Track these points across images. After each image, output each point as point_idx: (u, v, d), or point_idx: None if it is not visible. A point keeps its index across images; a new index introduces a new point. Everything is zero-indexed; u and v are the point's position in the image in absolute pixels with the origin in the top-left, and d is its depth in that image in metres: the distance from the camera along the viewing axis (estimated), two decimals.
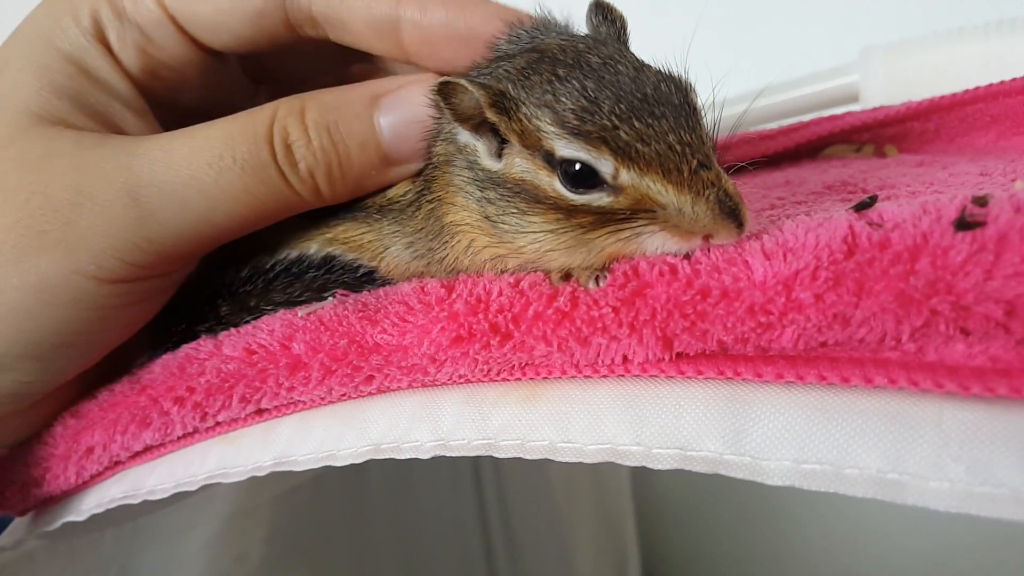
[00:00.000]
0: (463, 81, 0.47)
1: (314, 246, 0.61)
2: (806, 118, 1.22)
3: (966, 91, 0.77)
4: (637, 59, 0.49)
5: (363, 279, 0.61)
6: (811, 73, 1.13)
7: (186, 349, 0.59)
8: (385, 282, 0.60)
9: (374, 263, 0.60)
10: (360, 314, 0.53)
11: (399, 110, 0.54)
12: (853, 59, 1.13)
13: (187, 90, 0.62)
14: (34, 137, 0.52)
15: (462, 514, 1.25)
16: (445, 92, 0.48)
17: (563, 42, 0.51)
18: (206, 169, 0.51)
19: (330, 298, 0.56)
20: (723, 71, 1.64)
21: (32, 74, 0.54)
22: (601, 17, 0.54)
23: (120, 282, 0.53)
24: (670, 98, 0.46)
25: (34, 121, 0.53)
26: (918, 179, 0.61)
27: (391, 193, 0.58)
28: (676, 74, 0.49)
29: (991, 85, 0.76)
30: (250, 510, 0.87)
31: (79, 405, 0.63)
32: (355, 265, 0.60)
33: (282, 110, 0.53)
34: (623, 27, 0.54)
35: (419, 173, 0.57)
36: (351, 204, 0.59)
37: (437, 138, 0.55)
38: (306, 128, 0.52)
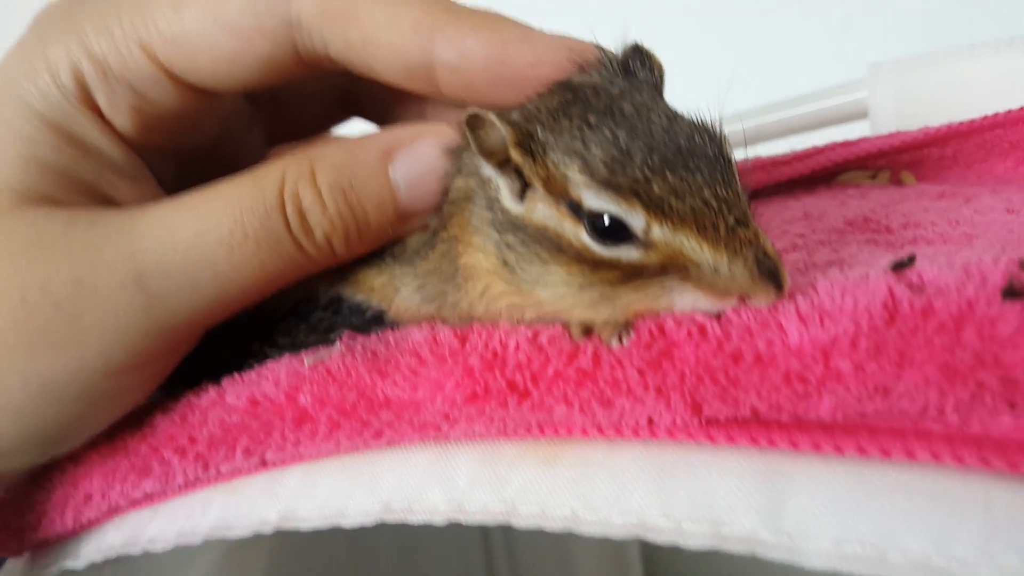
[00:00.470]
0: (491, 116, 0.45)
1: (321, 288, 0.59)
2: (815, 135, 1.20)
3: (984, 117, 0.75)
4: (671, 108, 0.47)
5: (371, 321, 0.58)
6: (819, 89, 1.12)
7: (188, 396, 0.57)
8: (394, 324, 0.58)
9: (383, 305, 0.58)
10: (369, 365, 0.50)
11: (414, 163, 0.50)
12: (861, 75, 1.12)
13: (189, 134, 0.58)
14: (21, 222, 0.47)
15: (464, 531, 1.24)
16: (473, 123, 0.46)
17: (597, 83, 0.48)
18: (216, 249, 0.47)
19: (337, 344, 0.54)
20: (729, 84, 1.62)
21: (13, 147, 0.49)
22: (639, 62, 0.52)
23: (127, 372, 0.50)
24: (704, 150, 0.44)
25: (19, 202, 0.48)
26: (942, 216, 0.59)
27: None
28: (710, 124, 0.46)
29: (1010, 112, 0.74)
30: (252, 542, 0.85)
31: (77, 450, 0.61)
32: (363, 308, 0.58)
33: (290, 173, 0.49)
34: (661, 75, 0.52)
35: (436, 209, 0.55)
36: None
37: (459, 171, 0.53)
38: (319, 192, 0.48)
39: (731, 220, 0.43)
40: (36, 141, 0.49)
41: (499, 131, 0.45)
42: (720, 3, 1.59)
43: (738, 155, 0.52)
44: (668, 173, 0.43)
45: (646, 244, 0.43)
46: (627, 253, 0.44)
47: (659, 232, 0.43)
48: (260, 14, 0.48)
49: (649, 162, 0.43)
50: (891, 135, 0.77)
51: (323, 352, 0.54)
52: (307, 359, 0.53)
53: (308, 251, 0.50)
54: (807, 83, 1.50)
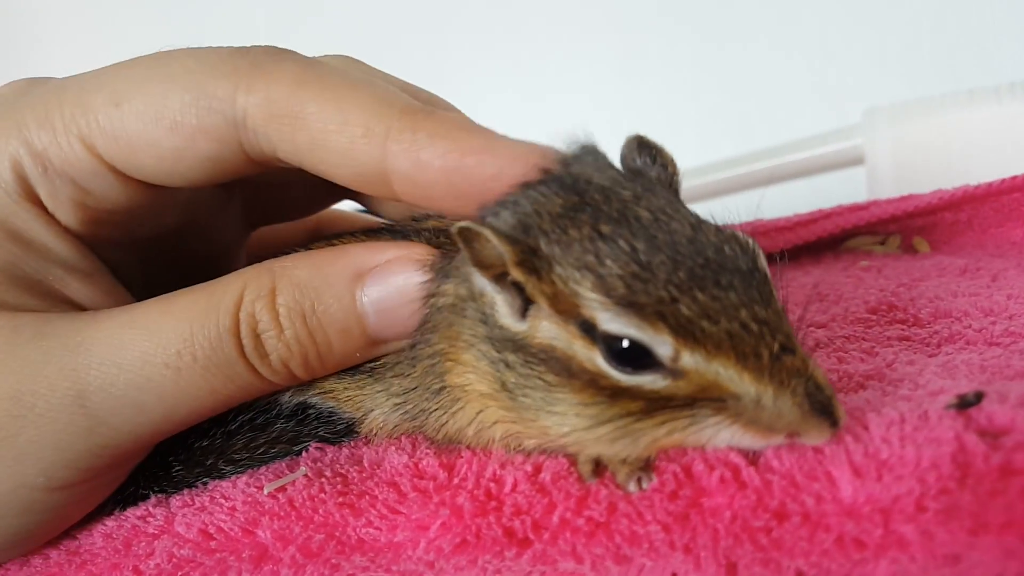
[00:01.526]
0: (487, 231, 0.38)
1: (286, 393, 0.52)
2: (810, 181, 1.16)
3: (1001, 181, 0.70)
4: (692, 214, 0.41)
5: (342, 432, 0.51)
6: (814, 135, 1.07)
7: (133, 519, 0.49)
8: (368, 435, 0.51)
9: (355, 417, 0.51)
10: (340, 498, 0.43)
11: (387, 288, 0.45)
12: (858, 118, 1.08)
13: (146, 225, 0.52)
14: None
15: None
16: (466, 236, 0.39)
17: (606, 186, 0.42)
18: (163, 371, 0.43)
19: (302, 467, 0.47)
20: (725, 131, 1.59)
21: None
22: (647, 158, 0.46)
23: (72, 487, 0.46)
24: (736, 263, 0.38)
25: None
26: (974, 303, 0.54)
27: None
28: (740, 234, 0.40)
29: None
30: None
31: (7, 570, 0.53)
32: (332, 418, 0.51)
33: (249, 291, 0.44)
34: (674, 172, 0.45)
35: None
36: None
37: (446, 276, 0.46)
38: (277, 315, 0.44)
39: (775, 346, 0.36)
40: None
41: (496, 247, 0.39)
42: (710, 48, 1.56)
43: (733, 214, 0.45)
44: (697, 291, 0.36)
45: (675, 372, 0.36)
46: (652, 382, 0.37)
47: (690, 360, 0.36)
48: (202, 114, 0.44)
49: (675, 279, 0.37)
50: (902, 199, 0.72)
51: (286, 476, 0.46)
52: (266, 485, 0.46)
53: (263, 374, 0.45)
54: (802, 127, 1.47)
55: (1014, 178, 0.69)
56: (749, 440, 0.37)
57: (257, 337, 0.44)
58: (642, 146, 0.47)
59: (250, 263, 0.57)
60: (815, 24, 1.47)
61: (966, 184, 0.74)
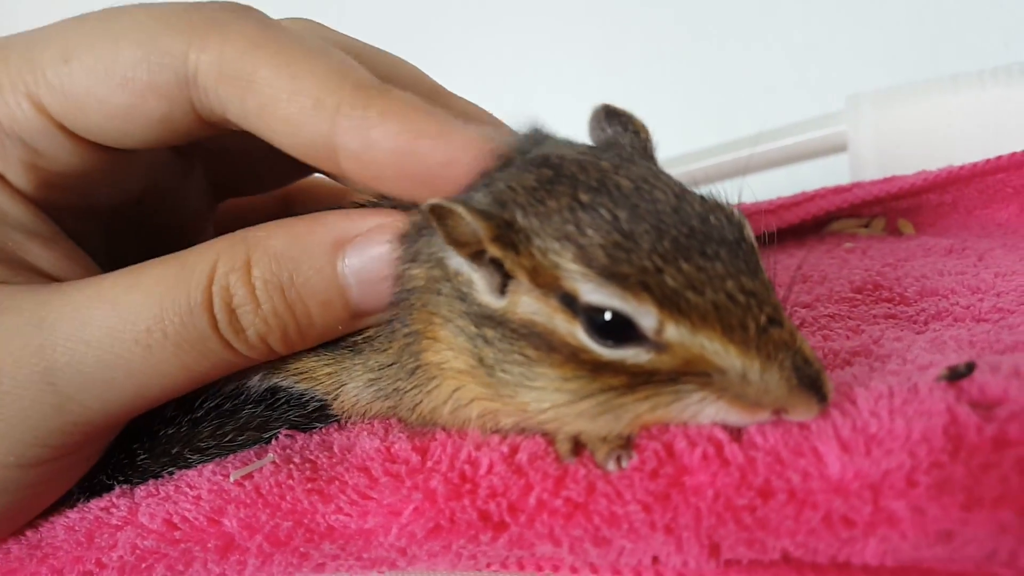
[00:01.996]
0: (460, 208, 0.37)
1: (255, 376, 0.50)
2: (792, 169, 1.15)
3: (986, 161, 0.69)
4: (676, 182, 0.39)
5: (314, 415, 0.49)
6: (797, 122, 1.06)
7: (96, 510, 0.47)
8: (340, 419, 0.49)
9: (328, 398, 0.49)
10: (308, 485, 0.42)
11: (369, 258, 0.42)
12: (840, 107, 1.07)
13: (104, 192, 0.51)
14: None
15: None
16: (439, 213, 0.37)
17: (582, 157, 0.40)
18: (132, 347, 0.41)
19: (270, 454, 0.45)
20: (706, 118, 1.58)
21: None
22: (619, 126, 0.44)
23: (45, 464, 0.45)
24: (723, 233, 0.36)
25: None
26: (961, 281, 0.53)
27: None
28: (725, 204, 0.39)
29: (1013, 155, 0.69)
30: None
31: None
32: (304, 400, 0.49)
33: (222, 263, 0.42)
34: (647, 139, 0.44)
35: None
36: None
37: (416, 258, 0.44)
38: (253, 289, 0.42)
39: (762, 318, 0.35)
40: None
41: (470, 223, 0.37)
42: (691, 40, 1.55)
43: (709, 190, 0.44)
44: (682, 261, 0.35)
45: (658, 346, 0.35)
46: (635, 355, 0.35)
47: (675, 332, 0.35)
48: (153, 70, 0.42)
49: (659, 248, 0.35)
50: (886, 180, 0.71)
51: (254, 463, 0.45)
52: (232, 473, 0.44)
53: (239, 350, 0.43)
54: (783, 119, 1.46)
55: (999, 158, 0.68)
56: (735, 416, 0.35)
57: (232, 312, 0.42)
58: (611, 115, 0.46)
59: (218, 236, 0.56)
60: (796, 15, 1.46)
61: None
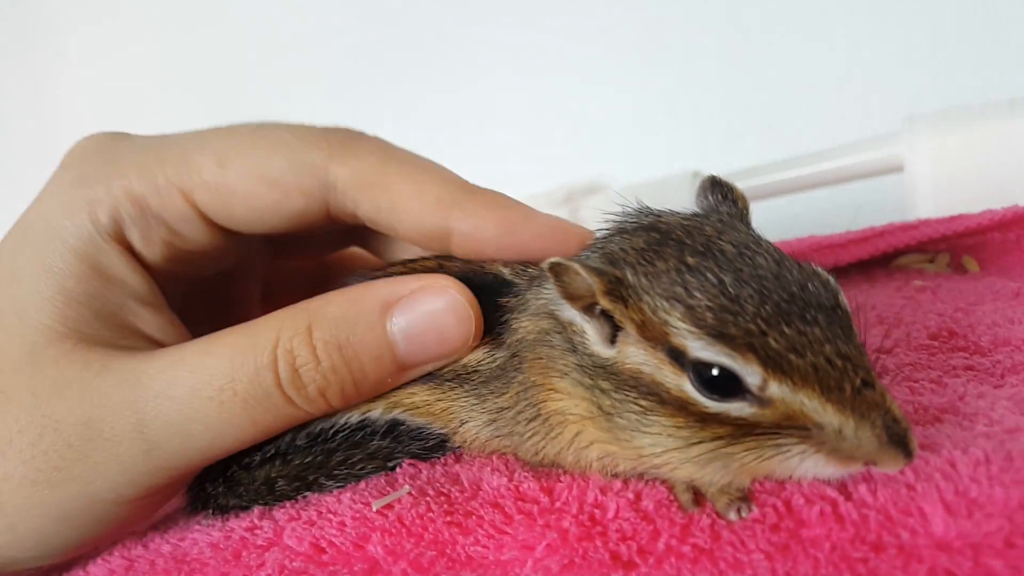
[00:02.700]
0: (576, 265, 0.42)
1: (377, 410, 0.55)
2: (847, 188, 1.18)
3: None
4: (775, 249, 0.44)
5: (433, 448, 0.55)
6: (854, 141, 1.09)
7: (240, 530, 0.52)
8: (458, 450, 0.55)
9: (446, 431, 0.54)
10: (447, 517, 0.46)
11: (413, 316, 0.51)
12: (897, 127, 1.09)
13: (210, 264, 0.62)
14: (44, 362, 0.51)
15: None
16: (556, 271, 0.43)
17: (687, 223, 0.45)
18: (208, 403, 0.50)
19: (406, 488, 0.50)
20: (748, 122, 1.59)
21: (45, 281, 0.53)
22: (719, 196, 0.49)
23: (135, 501, 0.53)
24: (820, 299, 0.41)
25: (46, 338, 0.52)
26: None
27: (466, 360, 0.53)
28: (821, 271, 0.43)
29: None
30: None
31: (113, 572, 0.57)
32: (423, 434, 0.54)
33: (286, 330, 0.50)
34: (745, 208, 0.48)
35: (499, 342, 0.51)
36: None
37: (525, 310, 0.50)
38: (315, 349, 0.50)
39: (857, 381, 0.39)
40: (66, 275, 0.53)
41: (584, 279, 0.43)
42: (737, 39, 1.56)
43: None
44: (784, 326, 0.39)
45: (761, 400, 0.40)
46: (739, 408, 0.40)
47: (777, 390, 0.39)
48: (301, 174, 0.53)
49: (762, 312, 0.40)
50: (952, 219, 0.74)
51: (391, 494, 0.50)
52: (374, 503, 0.49)
53: (299, 404, 0.51)
54: (825, 120, 1.48)
55: None
56: (831, 468, 0.40)
57: (295, 371, 0.50)
58: (714, 185, 0.51)
59: (263, 295, 0.74)
60: (842, 16, 1.48)
61: (1012, 201, 0.77)
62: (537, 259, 0.50)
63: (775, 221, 1.43)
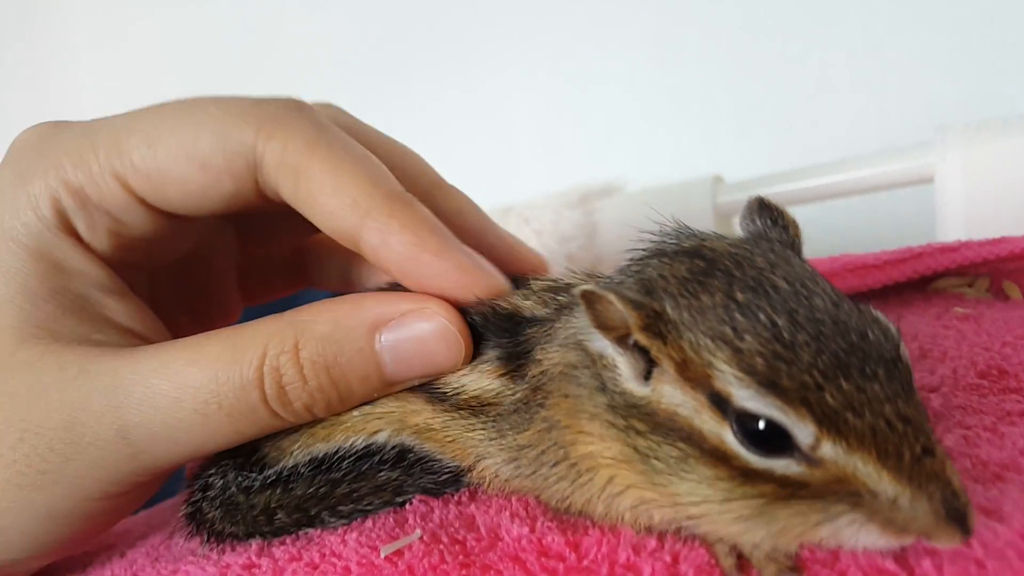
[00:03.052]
0: (610, 295, 0.38)
1: (383, 432, 0.52)
2: (875, 197, 1.13)
3: None
4: (831, 287, 0.40)
5: (446, 483, 0.51)
6: (883, 149, 1.05)
7: (237, 567, 0.49)
8: (473, 485, 0.51)
9: (459, 465, 0.50)
10: (463, 571, 0.43)
11: (401, 339, 0.50)
12: (918, 131, 1.05)
13: (163, 251, 0.61)
14: (17, 366, 0.51)
15: None
16: (589, 299, 0.39)
17: (736, 251, 0.41)
18: (192, 415, 0.49)
19: (417, 532, 0.46)
20: (762, 121, 1.56)
21: (5, 284, 0.52)
22: (769, 220, 0.44)
23: (118, 497, 0.53)
24: (881, 351, 0.37)
25: (17, 341, 0.51)
26: None
27: (477, 391, 0.49)
28: (881, 317, 0.39)
29: None
30: None
31: None
32: (435, 467, 0.51)
33: (273, 346, 0.49)
34: (797, 236, 0.44)
35: (520, 372, 0.48)
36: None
37: (551, 339, 0.46)
38: (302, 368, 0.49)
39: (917, 448, 0.35)
40: (25, 273, 0.52)
41: (619, 310, 0.39)
42: (749, 38, 1.52)
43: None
44: (843, 380, 0.35)
45: (811, 460, 0.36)
46: (785, 466, 0.36)
47: (830, 450, 0.35)
48: (228, 156, 0.51)
49: (819, 363, 0.36)
50: (995, 242, 0.70)
51: (401, 539, 0.46)
52: (383, 548, 0.45)
53: (285, 417, 0.51)
54: (839, 121, 1.44)
55: None
56: (883, 540, 0.36)
57: (282, 388, 0.49)
58: (762, 207, 0.46)
59: (240, 281, 0.73)
60: (861, 17, 1.44)
61: None
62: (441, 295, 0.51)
63: (821, 243, 1.39)
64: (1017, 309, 0.67)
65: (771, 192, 1.10)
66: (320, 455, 0.53)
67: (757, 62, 1.55)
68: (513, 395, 0.48)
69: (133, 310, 0.56)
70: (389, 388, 0.52)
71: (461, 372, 0.50)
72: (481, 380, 0.50)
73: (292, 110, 0.53)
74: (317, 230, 0.66)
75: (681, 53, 1.61)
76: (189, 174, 0.52)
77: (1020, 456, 0.44)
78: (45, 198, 0.52)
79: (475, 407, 0.49)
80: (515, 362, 0.48)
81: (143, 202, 0.53)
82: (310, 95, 0.58)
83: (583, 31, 1.67)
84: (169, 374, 0.49)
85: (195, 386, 0.49)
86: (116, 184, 0.52)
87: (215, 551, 0.53)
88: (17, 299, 0.51)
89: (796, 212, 1.22)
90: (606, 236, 1.17)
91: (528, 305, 0.50)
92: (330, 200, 0.51)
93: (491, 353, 0.50)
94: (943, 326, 0.64)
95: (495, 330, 0.50)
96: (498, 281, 0.52)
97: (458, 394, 0.50)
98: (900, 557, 0.37)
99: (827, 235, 1.32)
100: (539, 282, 0.53)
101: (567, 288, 0.51)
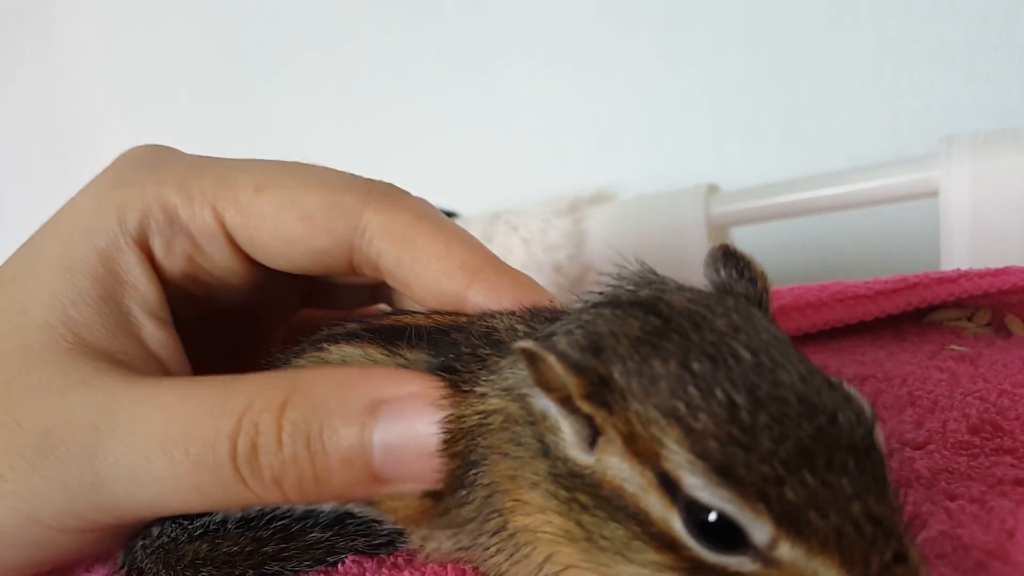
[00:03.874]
0: (551, 359, 0.34)
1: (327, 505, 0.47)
2: (878, 210, 1.08)
3: None
4: (800, 357, 0.35)
5: (380, 546, 0.47)
6: (889, 161, 1.00)
7: None
8: (407, 550, 0.47)
9: (407, 530, 0.46)
10: None
11: (396, 425, 0.42)
12: (932, 148, 1.00)
13: (225, 294, 0.60)
14: (33, 364, 0.49)
15: None
16: (529, 357, 0.35)
17: (695, 308, 0.36)
18: (159, 454, 0.44)
19: None
20: (770, 122, 1.51)
21: (59, 276, 0.52)
22: (735, 271, 0.40)
23: (75, 532, 0.49)
24: (852, 438, 0.32)
25: (43, 336, 0.50)
26: None
27: None
28: (855, 395, 0.34)
29: None
30: None
31: None
32: (373, 529, 0.47)
33: (259, 402, 0.44)
34: (764, 289, 0.40)
35: (459, 432, 0.43)
36: None
37: (494, 383, 0.41)
38: (280, 430, 0.43)
39: (887, 555, 0.31)
40: (82, 272, 0.52)
41: (560, 375, 0.34)
42: (760, 37, 1.47)
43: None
44: (807, 472, 0.31)
45: (767, 560, 0.31)
46: (739, 564, 0.32)
47: (789, 552, 0.31)
48: (334, 213, 0.53)
49: (781, 451, 0.31)
50: (996, 272, 0.65)
51: None
52: None
53: (251, 487, 0.44)
54: (850, 123, 1.39)
55: None
56: None
57: (254, 448, 0.43)
58: (728, 256, 0.42)
59: (287, 336, 0.70)
60: (873, 19, 1.38)
61: None
62: None
63: (795, 243, 1.34)
64: (1018, 349, 0.62)
65: (768, 204, 1.05)
66: (253, 514, 0.49)
67: (766, 62, 1.50)
68: (457, 464, 0.43)
69: (168, 341, 0.55)
70: (376, 486, 0.44)
71: None
72: None
73: (398, 190, 0.56)
74: (370, 302, 0.71)
75: (688, 55, 1.56)
76: (288, 223, 0.53)
77: (1007, 539, 0.39)
78: (135, 207, 0.53)
79: None
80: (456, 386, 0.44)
81: (230, 239, 0.54)
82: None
83: (587, 35, 1.63)
84: (156, 405, 0.46)
85: (171, 423, 0.45)
86: (211, 214, 0.53)
87: None
88: (63, 295, 0.51)
89: (795, 225, 1.18)
90: (595, 246, 1.12)
91: (503, 331, 0.46)
92: (438, 263, 0.53)
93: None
94: (937, 368, 0.59)
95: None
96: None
97: None
98: None
99: (828, 249, 1.27)
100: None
101: (542, 316, 0.46)
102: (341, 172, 0.56)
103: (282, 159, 0.57)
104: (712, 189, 1.10)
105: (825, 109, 1.46)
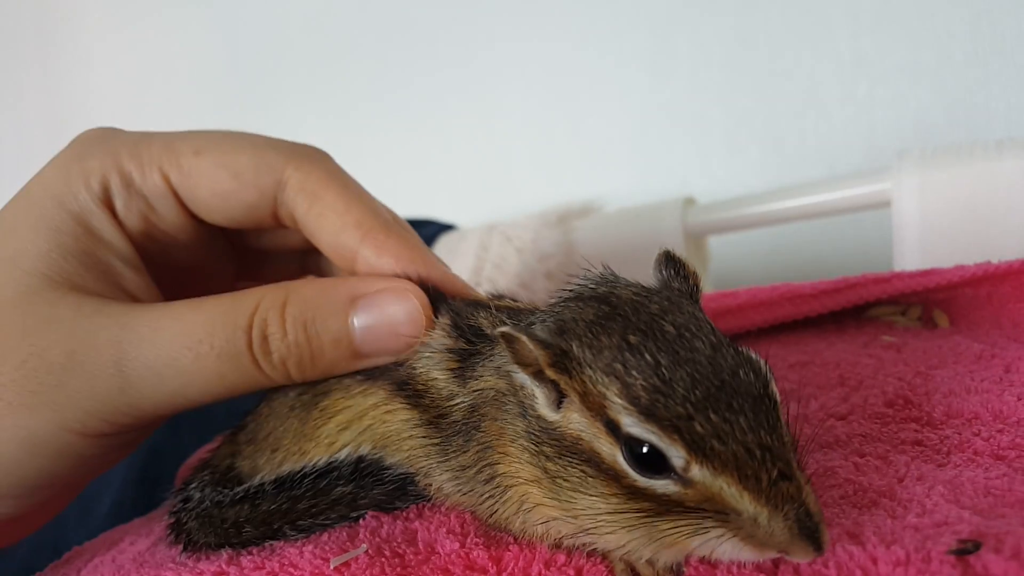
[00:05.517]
0: (524, 337, 0.45)
1: (345, 449, 0.58)
2: (832, 220, 1.17)
3: (1020, 260, 0.73)
4: (714, 331, 0.45)
5: (395, 493, 0.57)
6: (843, 174, 1.09)
7: (208, 574, 0.55)
8: (420, 496, 0.57)
9: (416, 473, 0.56)
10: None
11: (373, 312, 0.57)
12: (887, 162, 1.09)
13: (177, 252, 0.69)
14: (39, 301, 0.57)
15: None
16: (507, 339, 0.46)
17: (636, 298, 0.47)
18: (185, 352, 0.55)
19: (363, 547, 0.52)
20: (752, 133, 1.60)
21: (43, 236, 0.59)
22: (672, 271, 0.50)
23: (102, 436, 0.58)
24: (750, 388, 0.43)
25: (42, 283, 0.58)
26: (985, 403, 0.58)
27: (439, 399, 0.55)
28: (754, 357, 0.45)
29: None
30: None
31: None
32: (385, 476, 0.57)
33: (266, 301, 0.57)
34: (696, 285, 0.50)
35: (465, 376, 0.54)
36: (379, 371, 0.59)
37: (487, 365, 0.52)
38: (284, 321, 0.57)
39: (774, 472, 0.41)
40: (62, 232, 0.60)
41: (532, 350, 0.45)
42: (741, 49, 1.56)
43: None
44: (711, 412, 0.41)
45: (684, 481, 0.42)
46: (664, 486, 0.42)
47: (699, 472, 0.41)
48: (260, 170, 0.63)
49: (692, 397, 0.42)
50: (924, 273, 0.75)
51: (349, 551, 0.52)
52: (333, 560, 0.51)
53: (264, 369, 0.57)
54: (831, 133, 1.47)
55: None
56: (747, 553, 0.42)
57: (265, 338, 0.56)
58: (668, 260, 0.52)
59: None
60: (847, 33, 1.47)
61: (998, 244, 0.78)
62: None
63: (765, 249, 1.44)
64: (940, 339, 0.72)
65: (737, 215, 1.15)
66: (286, 473, 0.59)
67: (747, 78, 1.59)
68: (461, 415, 0.53)
69: (146, 285, 0.65)
70: (357, 360, 0.58)
71: (420, 353, 0.57)
72: (433, 367, 0.56)
73: (318, 152, 0.66)
74: (300, 273, 0.80)
75: (672, 69, 1.65)
76: (222, 180, 0.62)
77: (898, 484, 0.49)
78: (97, 174, 0.61)
79: (434, 418, 0.55)
80: (466, 362, 0.55)
81: (178, 198, 0.63)
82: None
83: (575, 49, 1.72)
84: (173, 314, 0.57)
85: (193, 327, 0.56)
86: (159, 176, 0.62)
87: (191, 559, 0.59)
88: (52, 252, 0.59)
89: (765, 233, 1.27)
90: (582, 254, 1.22)
91: (486, 323, 0.56)
92: (337, 219, 0.62)
93: (444, 320, 0.58)
94: (867, 354, 0.69)
95: (461, 324, 0.57)
96: (461, 283, 0.64)
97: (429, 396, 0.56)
98: (769, 571, 0.42)
99: (794, 255, 1.37)
100: (502, 303, 0.60)
101: (529, 312, 0.56)
102: (269, 137, 0.65)
103: None
104: (689, 202, 1.20)
105: (803, 123, 1.55)
